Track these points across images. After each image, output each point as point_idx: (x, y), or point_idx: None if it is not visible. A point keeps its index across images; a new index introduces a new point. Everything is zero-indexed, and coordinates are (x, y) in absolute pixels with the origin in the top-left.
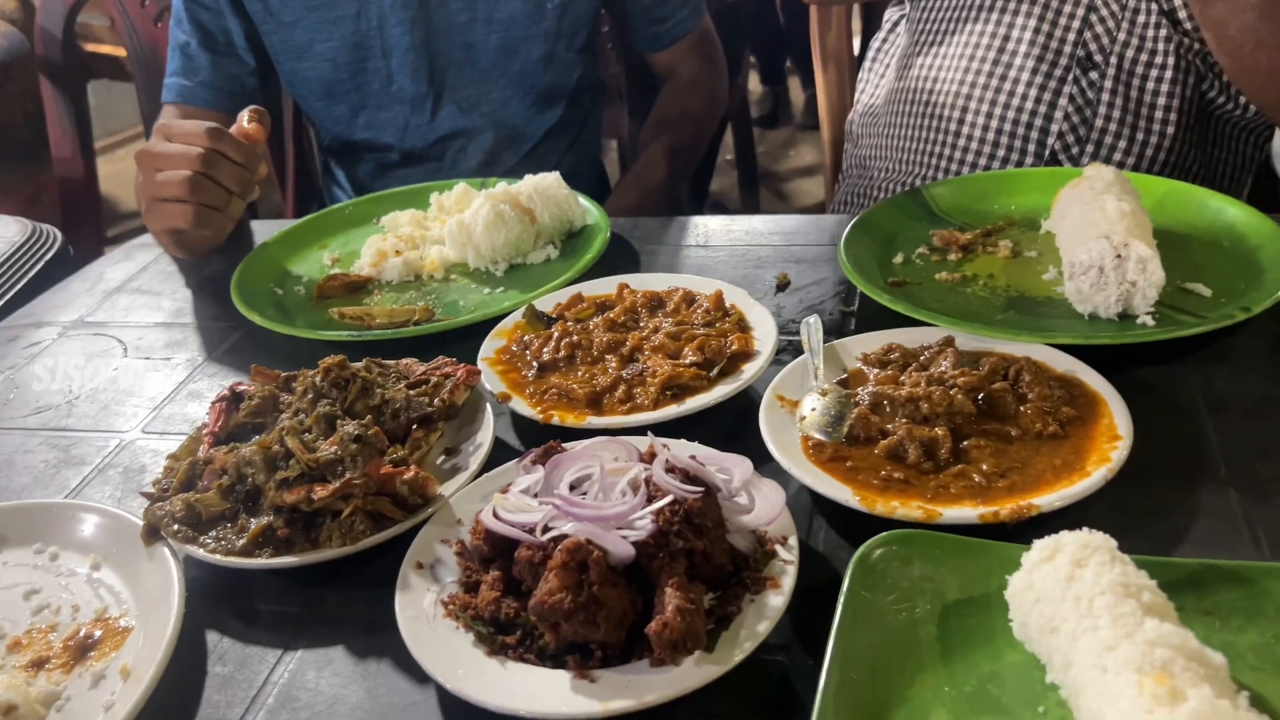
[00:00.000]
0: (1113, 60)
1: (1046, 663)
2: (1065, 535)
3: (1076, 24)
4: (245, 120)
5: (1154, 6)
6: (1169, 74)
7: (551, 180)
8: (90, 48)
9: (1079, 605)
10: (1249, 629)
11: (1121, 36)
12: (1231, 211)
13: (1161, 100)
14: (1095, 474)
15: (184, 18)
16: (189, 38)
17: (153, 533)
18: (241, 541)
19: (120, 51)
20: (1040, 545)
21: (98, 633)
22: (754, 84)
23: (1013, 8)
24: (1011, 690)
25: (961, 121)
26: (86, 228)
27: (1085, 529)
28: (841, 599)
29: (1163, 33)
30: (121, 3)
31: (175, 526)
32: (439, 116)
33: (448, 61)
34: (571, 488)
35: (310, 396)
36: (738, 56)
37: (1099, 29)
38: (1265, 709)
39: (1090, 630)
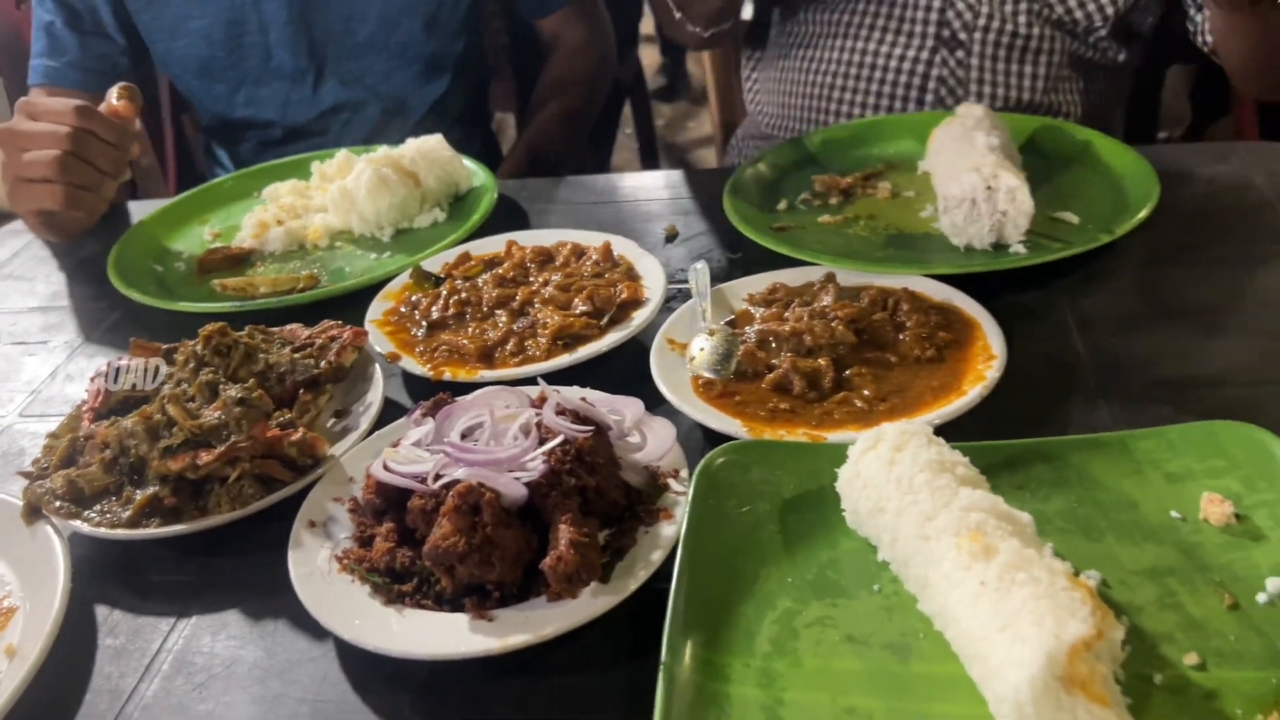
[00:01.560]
0: (976, 37)
1: (877, 542)
2: (886, 426)
3: (936, 5)
4: (114, 98)
5: None
6: (1034, 44)
7: (434, 143)
8: None
9: (900, 485)
10: (1054, 497)
11: (985, 10)
12: (1098, 144)
13: (1029, 68)
14: (971, 392)
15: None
16: (53, 17)
17: (34, 511)
18: (128, 513)
19: None
20: (864, 437)
21: None
22: (654, 56)
23: (872, 10)
24: (848, 573)
25: (838, 111)
26: None
27: None
28: (688, 506)
29: (1023, 5)
30: None
31: (57, 503)
32: (321, 90)
33: (327, 35)
34: (463, 437)
35: (192, 366)
36: (634, 27)
37: (960, 6)
38: (1067, 559)
39: (912, 505)
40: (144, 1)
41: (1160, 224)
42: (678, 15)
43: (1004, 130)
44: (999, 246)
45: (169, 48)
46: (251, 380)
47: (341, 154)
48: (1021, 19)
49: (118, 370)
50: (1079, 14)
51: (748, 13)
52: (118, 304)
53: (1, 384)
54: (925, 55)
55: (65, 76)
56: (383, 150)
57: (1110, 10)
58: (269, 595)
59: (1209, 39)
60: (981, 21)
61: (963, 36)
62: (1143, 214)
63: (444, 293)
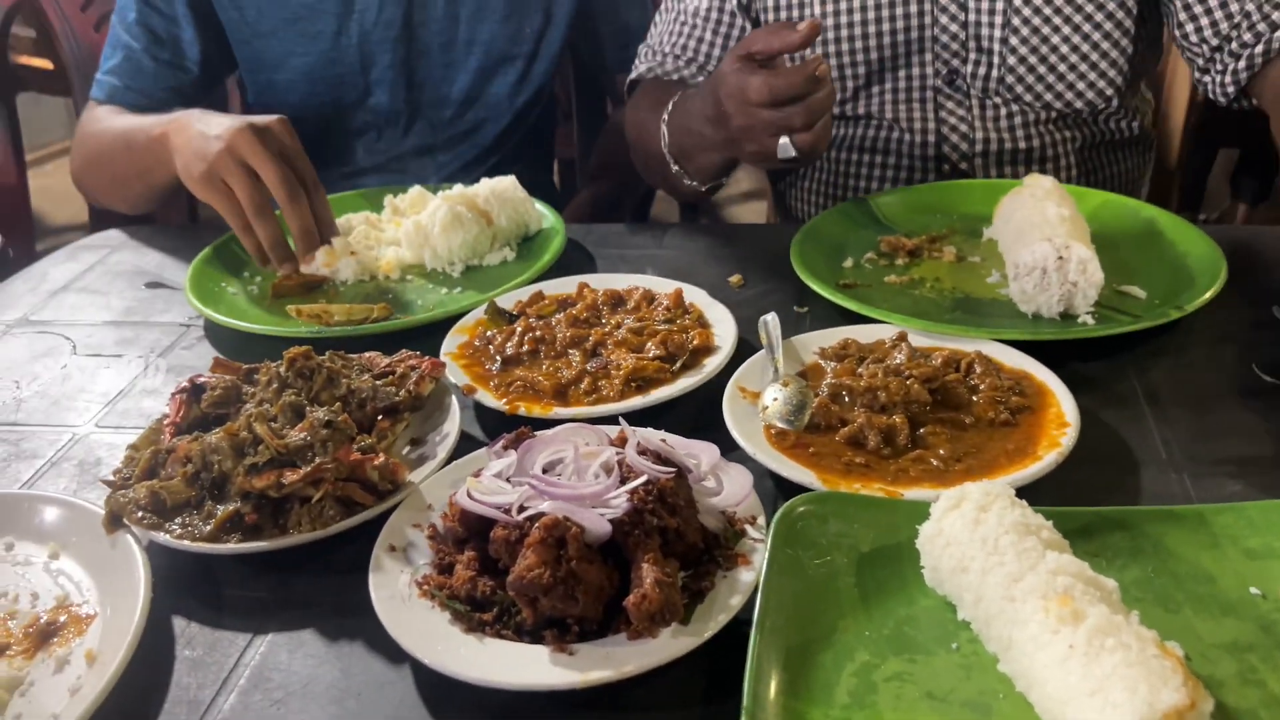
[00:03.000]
0: (978, 164)
1: (957, 601)
2: (968, 485)
3: (931, 140)
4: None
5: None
6: (1038, 153)
7: (508, 184)
8: (17, 59)
9: (985, 545)
10: (1130, 566)
11: (979, 137)
12: (1162, 220)
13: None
14: (1047, 457)
15: (133, 20)
16: (135, 41)
17: (115, 520)
18: (209, 527)
19: (47, 64)
20: (947, 495)
21: (60, 619)
22: None
23: (870, 141)
24: (926, 630)
25: (861, 159)
26: (19, 237)
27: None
28: (766, 555)
29: (1017, 119)
30: (60, 8)
31: (140, 514)
32: (410, 134)
33: (425, 80)
34: (544, 471)
35: (275, 387)
36: None
37: (954, 139)
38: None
39: (997, 566)
40: (250, 34)
41: (1226, 301)
42: (675, 168)
43: (1072, 202)
44: (1066, 316)
45: (270, 81)
46: (336, 404)
47: (415, 189)
48: (1019, 133)
49: (199, 387)
50: (1080, 102)
51: None
52: (192, 322)
53: (77, 394)
54: (931, 180)
55: (129, 99)
56: (458, 188)
57: (1119, 81)
58: (346, 616)
59: (1230, 90)
60: (978, 148)
61: (963, 166)
62: (1211, 292)
63: (518, 329)
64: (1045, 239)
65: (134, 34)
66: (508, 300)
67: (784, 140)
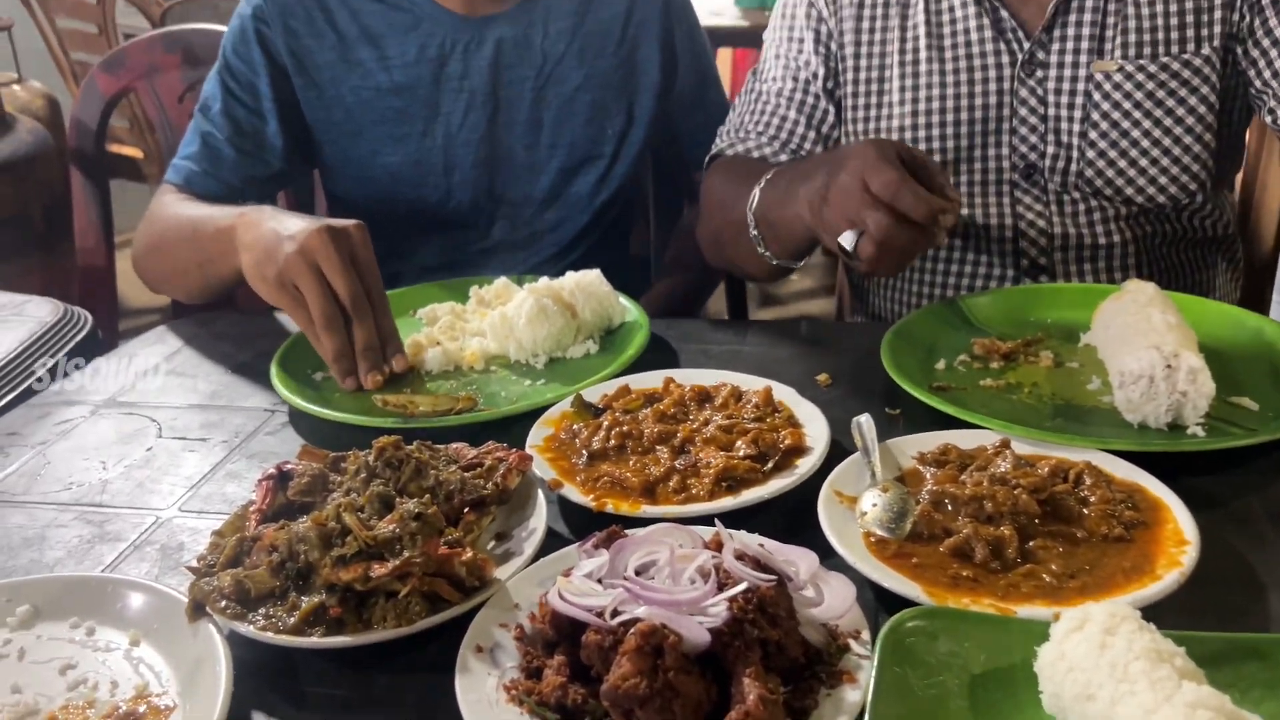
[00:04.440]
0: (1057, 258)
1: None
2: (1091, 606)
3: (1009, 235)
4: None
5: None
6: (1118, 250)
7: (593, 277)
8: (111, 148)
9: (1114, 671)
10: (1267, 700)
11: (1057, 231)
12: (1268, 329)
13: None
14: (1167, 577)
15: (217, 110)
16: (218, 131)
17: (198, 608)
18: (293, 619)
19: (138, 153)
20: (1069, 615)
21: (140, 709)
22: None
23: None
24: None
25: (936, 250)
26: (105, 318)
27: None
28: (873, 675)
29: (1096, 215)
30: (158, 97)
31: (223, 603)
32: (490, 233)
33: (508, 182)
34: (637, 573)
35: (363, 476)
36: None
37: (1032, 234)
38: None
39: (1129, 695)
40: (338, 133)
41: None
42: (754, 232)
43: (1176, 309)
44: (1174, 427)
45: (354, 178)
46: (424, 496)
47: (501, 280)
48: (1099, 229)
49: (286, 474)
50: (1162, 197)
51: None
52: (277, 409)
53: (162, 477)
54: (1010, 277)
55: (207, 185)
56: (543, 281)
57: (1202, 175)
58: (427, 718)
59: None
60: (1057, 242)
61: (1042, 260)
62: None
63: (605, 423)
64: (1153, 346)
65: (217, 124)
66: (593, 394)
67: (851, 235)
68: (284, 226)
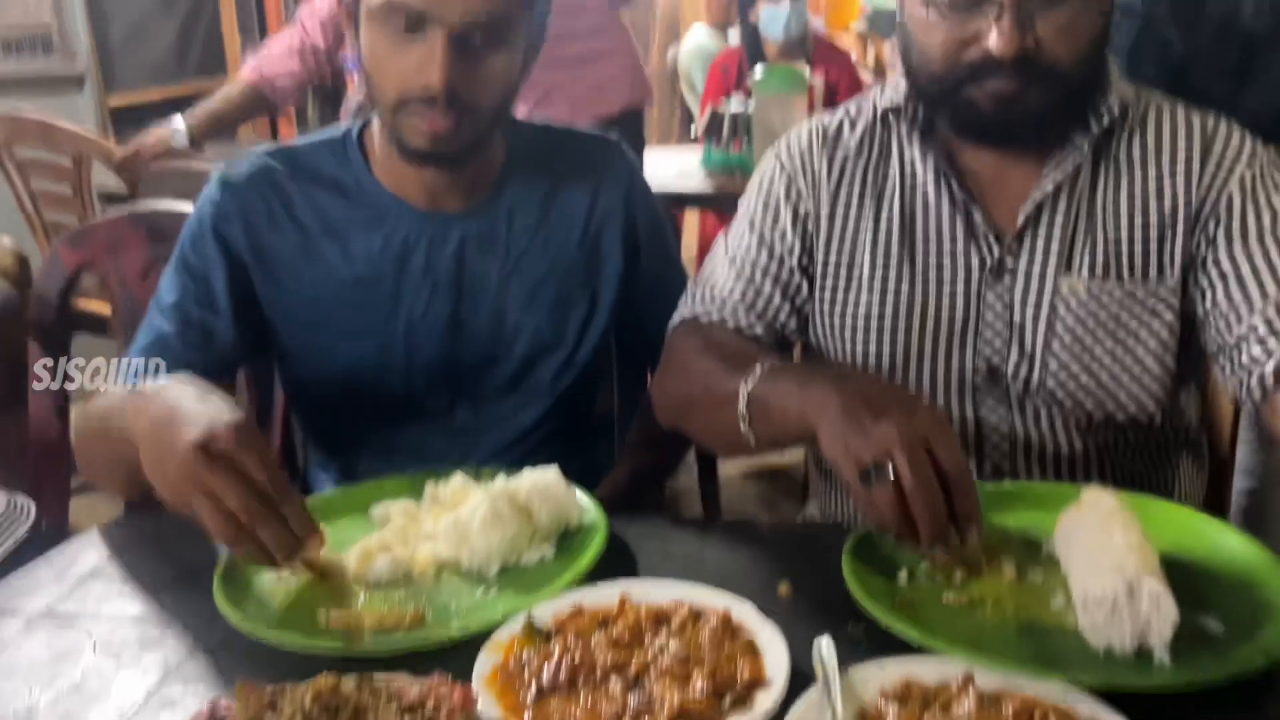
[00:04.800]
0: (1019, 464)
1: None
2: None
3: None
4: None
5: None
6: (1081, 459)
7: (551, 477)
8: (79, 303)
9: None
10: None
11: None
12: (1232, 541)
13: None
14: None
15: (169, 304)
16: (168, 324)
17: None
18: None
19: (105, 308)
20: None
21: None
22: None
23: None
24: None
25: None
26: (54, 489)
27: None
28: None
29: (1057, 420)
30: (121, 272)
31: None
32: (451, 421)
33: (470, 370)
34: None
35: None
36: None
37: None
38: None
39: None
40: (298, 325)
41: None
42: (743, 411)
43: (1138, 524)
44: (1141, 652)
45: (315, 368)
46: None
47: (457, 479)
48: (1061, 436)
49: (219, 713)
50: (1121, 415)
51: None
52: (220, 620)
53: (92, 704)
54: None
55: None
56: (499, 481)
57: (1161, 395)
58: None
59: (1256, 395)
60: (1020, 447)
61: (1004, 465)
62: None
63: (555, 651)
64: (1114, 569)
65: (168, 316)
66: (545, 611)
67: (875, 469)
68: (172, 435)
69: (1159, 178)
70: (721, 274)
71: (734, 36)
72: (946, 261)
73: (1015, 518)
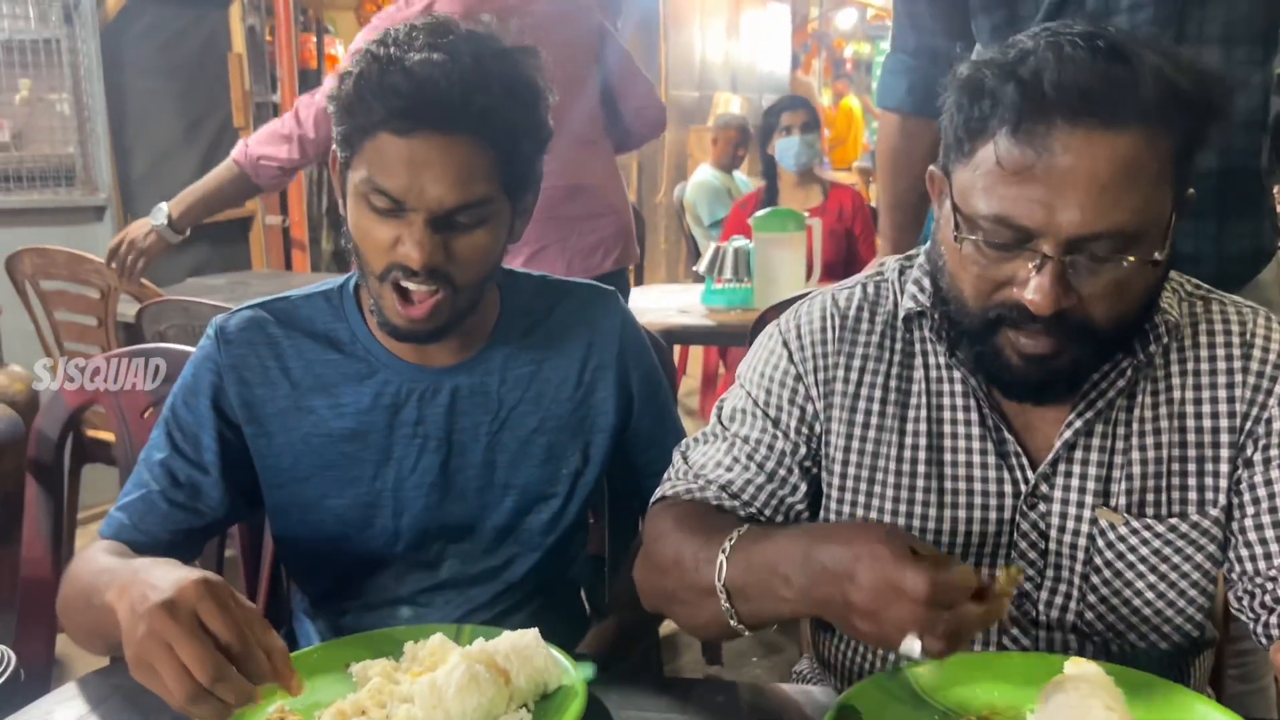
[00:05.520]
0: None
1: None
2: None
3: None
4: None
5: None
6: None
7: (530, 639)
8: (89, 433)
9: None
10: None
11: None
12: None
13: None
14: None
15: (157, 460)
16: (155, 482)
17: None
18: None
19: (112, 437)
20: None
21: None
22: None
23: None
24: None
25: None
26: (40, 632)
27: None
28: None
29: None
30: (121, 411)
31: None
32: (438, 571)
33: (459, 522)
34: None
35: None
36: None
37: None
38: None
39: None
40: (287, 478)
41: None
42: (725, 605)
43: (1121, 698)
44: None
45: (303, 520)
46: None
47: (437, 638)
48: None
49: None
50: (1165, 644)
51: None
52: None
53: None
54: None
55: (134, 538)
56: (478, 643)
57: (1203, 622)
58: None
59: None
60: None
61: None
62: None
63: None
64: None
65: (155, 474)
66: None
67: (913, 642)
68: (137, 598)
69: (1198, 401)
70: (712, 453)
71: (738, 176)
72: (978, 486)
73: (1001, 687)
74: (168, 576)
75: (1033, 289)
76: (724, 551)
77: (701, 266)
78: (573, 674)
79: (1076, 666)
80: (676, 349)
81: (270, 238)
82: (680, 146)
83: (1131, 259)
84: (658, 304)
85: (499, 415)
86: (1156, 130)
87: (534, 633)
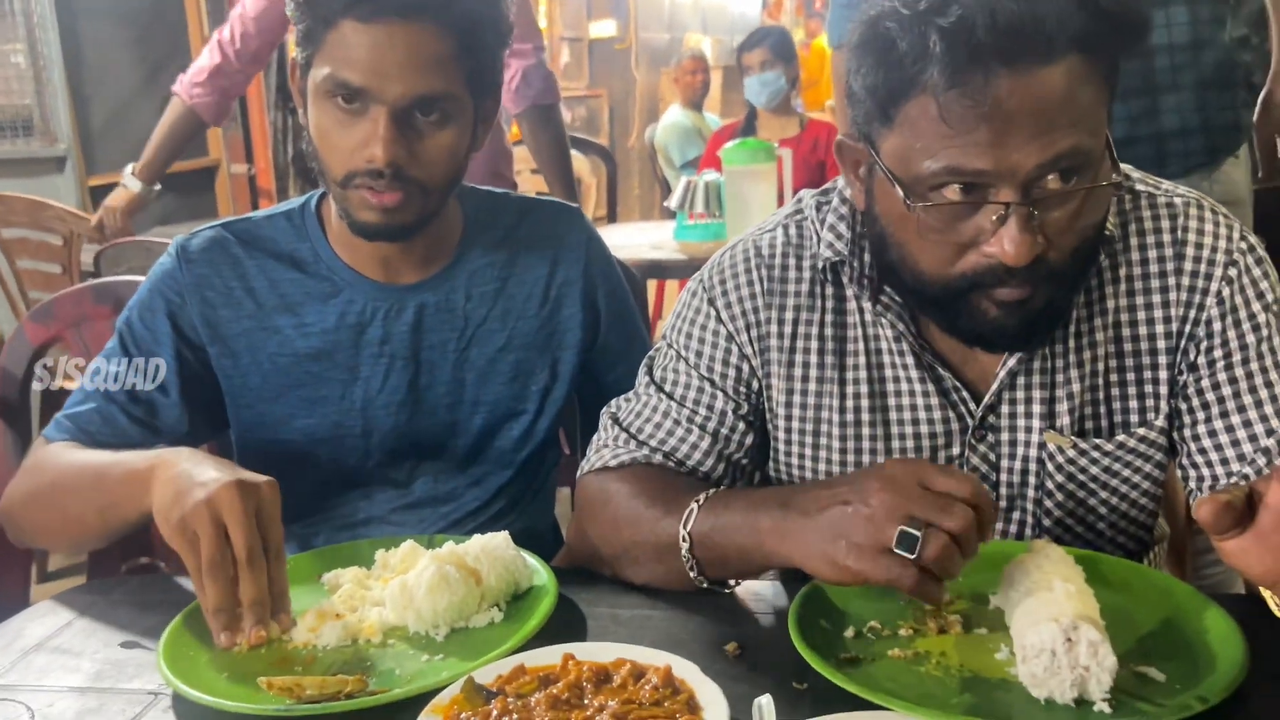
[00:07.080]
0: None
1: None
2: None
3: None
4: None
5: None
6: None
7: (499, 540)
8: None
9: None
10: None
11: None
12: (1177, 591)
13: None
14: None
15: (114, 375)
16: (113, 399)
17: None
18: None
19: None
20: None
21: None
22: None
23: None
24: None
25: None
26: (15, 568)
27: None
28: None
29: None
30: (85, 345)
31: None
32: (410, 490)
33: (428, 441)
34: None
35: None
36: None
37: None
38: None
39: None
40: (254, 398)
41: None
42: (686, 556)
43: (1081, 574)
44: (1081, 701)
45: (272, 440)
46: None
47: (407, 545)
48: None
49: None
50: (1118, 552)
51: None
52: (161, 690)
53: None
54: None
55: (95, 444)
56: (448, 546)
57: (1152, 524)
58: None
59: None
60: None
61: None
62: (1231, 677)
63: (495, 710)
64: (1052, 619)
65: (112, 389)
66: (488, 673)
67: (907, 530)
68: (198, 472)
69: (1132, 308)
70: (647, 415)
71: (709, 115)
72: (925, 429)
73: (968, 570)
74: (207, 473)
75: (1007, 241)
76: (697, 501)
77: (673, 202)
78: (544, 574)
79: (1038, 545)
80: (654, 289)
81: (236, 186)
82: (651, 89)
83: (1091, 185)
84: (630, 240)
85: (465, 332)
86: (1090, 53)
87: (504, 535)
